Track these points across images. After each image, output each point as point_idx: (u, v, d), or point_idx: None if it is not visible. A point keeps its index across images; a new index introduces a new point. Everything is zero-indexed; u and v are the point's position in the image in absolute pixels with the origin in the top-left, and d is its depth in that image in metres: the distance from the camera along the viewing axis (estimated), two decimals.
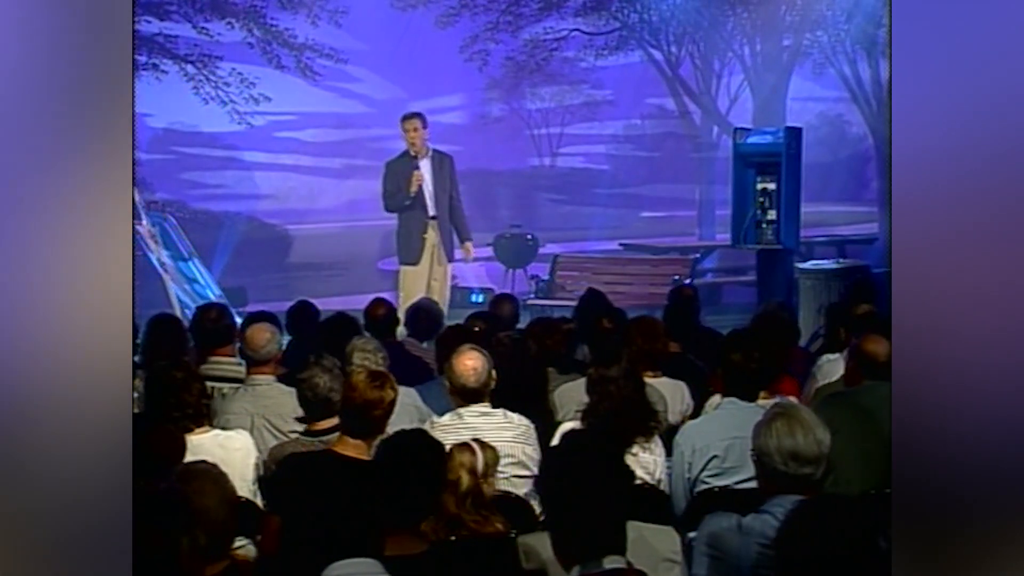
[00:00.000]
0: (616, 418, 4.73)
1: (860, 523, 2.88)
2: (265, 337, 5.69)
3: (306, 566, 3.50)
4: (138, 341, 6.21)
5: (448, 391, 5.06)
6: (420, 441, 3.84)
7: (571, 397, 5.43)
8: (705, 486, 4.73)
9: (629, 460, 4.54)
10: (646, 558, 3.72)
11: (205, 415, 4.90)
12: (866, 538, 2.86)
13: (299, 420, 5.11)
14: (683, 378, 5.91)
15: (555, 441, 4.98)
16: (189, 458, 4.10)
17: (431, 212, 9.79)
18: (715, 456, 4.72)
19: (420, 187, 9.70)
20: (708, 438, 4.79)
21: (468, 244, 10.06)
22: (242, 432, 4.97)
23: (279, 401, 5.44)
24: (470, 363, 4.96)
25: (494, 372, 5.02)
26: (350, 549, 3.36)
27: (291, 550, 4.18)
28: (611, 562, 3.07)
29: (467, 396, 4.95)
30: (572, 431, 4.84)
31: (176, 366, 4.89)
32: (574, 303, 8.52)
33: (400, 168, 9.83)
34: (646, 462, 4.78)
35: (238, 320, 7.10)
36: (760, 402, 4.89)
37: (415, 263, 9.79)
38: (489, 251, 15.69)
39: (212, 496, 3.47)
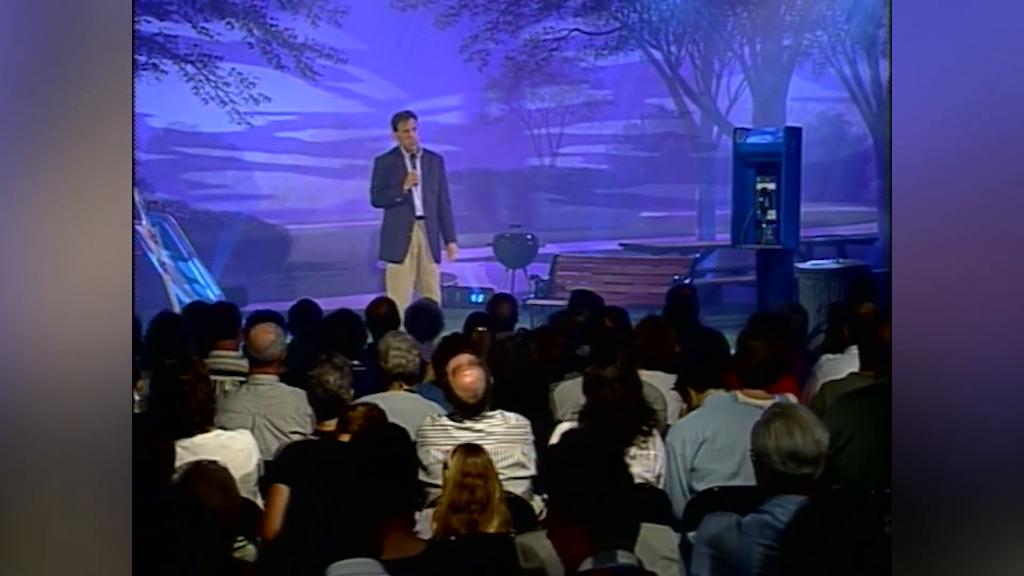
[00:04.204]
0: (613, 419, 4.74)
1: (866, 523, 2.88)
2: (269, 339, 5.64)
3: (305, 565, 3.50)
4: (140, 340, 6.21)
5: (447, 400, 5.04)
6: (390, 437, 3.85)
7: (570, 396, 5.42)
8: (701, 474, 4.72)
9: (627, 460, 4.53)
10: (644, 557, 3.72)
11: (211, 420, 4.86)
12: (872, 538, 2.86)
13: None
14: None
15: (554, 440, 4.98)
16: (192, 458, 4.10)
17: (419, 212, 9.79)
18: (705, 440, 4.75)
19: (412, 187, 9.72)
20: (696, 428, 4.84)
21: (452, 245, 10.03)
22: (244, 432, 4.96)
23: (281, 401, 5.45)
24: (468, 380, 4.88)
25: (492, 379, 4.99)
26: (349, 548, 3.37)
27: (289, 548, 4.19)
28: (624, 557, 3.07)
29: (467, 411, 4.91)
30: (575, 429, 4.84)
31: (183, 369, 4.85)
32: None
33: (390, 164, 9.84)
34: (644, 462, 4.78)
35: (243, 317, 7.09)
36: (758, 401, 4.89)
37: (398, 261, 9.78)
38: (489, 251, 15.68)
39: (217, 497, 3.47)
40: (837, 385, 5.43)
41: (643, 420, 4.85)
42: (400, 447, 3.80)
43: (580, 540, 3.08)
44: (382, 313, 7.25)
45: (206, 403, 4.80)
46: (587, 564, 3.07)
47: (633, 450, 4.73)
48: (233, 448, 4.72)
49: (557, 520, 3.19)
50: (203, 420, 4.77)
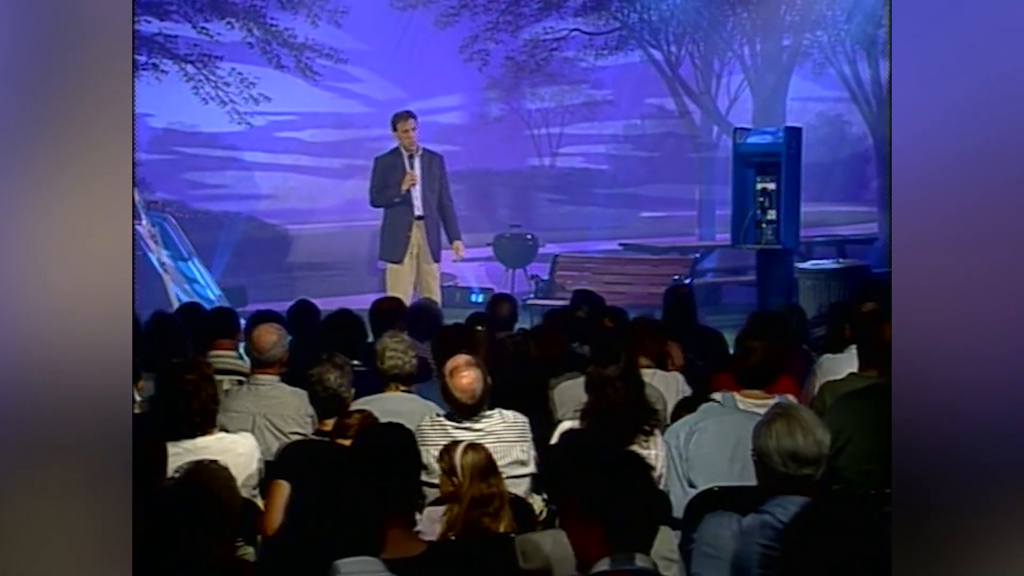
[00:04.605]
0: (614, 418, 4.74)
1: (867, 523, 2.88)
2: (272, 340, 5.63)
3: (305, 564, 3.50)
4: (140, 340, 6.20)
5: (444, 400, 5.04)
6: (395, 436, 3.85)
7: (570, 396, 5.43)
8: (694, 462, 4.73)
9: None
10: None
11: (212, 422, 4.82)
12: (872, 538, 2.86)
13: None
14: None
15: (554, 440, 4.99)
16: (194, 459, 4.10)
17: (418, 211, 9.78)
18: (696, 430, 4.76)
19: (411, 186, 9.72)
20: (689, 422, 4.88)
21: (458, 243, 10.02)
22: (247, 435, 4.95)
23: (282, 401, 5.45)
24: (465, 382, 4.86)
25: (489, 379, 4.98)
26: (351, 546, 3.36)
27: (289, 547, 4.19)
28: (642, 560, 3.05)
29: (465, 412, 4.90)
30: (585, 428, 4.84)
31: (188, 369, 4.83)
32: None
33: (390, 164, 9.83)
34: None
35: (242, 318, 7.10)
36: (756, 402, 4.90)
37: (398, 261, 9.77)
38: (489, 251, 15.69)
39: (218, 497, 3.47)
40: (837, 385, 5.42)
41: (645, 419, 4.85)
42: (404, 447, 3.80)
43: (596, 540, 3.06)
44: (384, 308, 7.24)
45: (209, 404, 4.78)
46: (603, 565, 3.04)
47: (635, 448, 4.74)
48: (235, 452, 4.70)
49: (572, 518, 3.17)
50: (205, 422, 4.75)
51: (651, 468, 3.43)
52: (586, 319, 7.11)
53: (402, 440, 3.83)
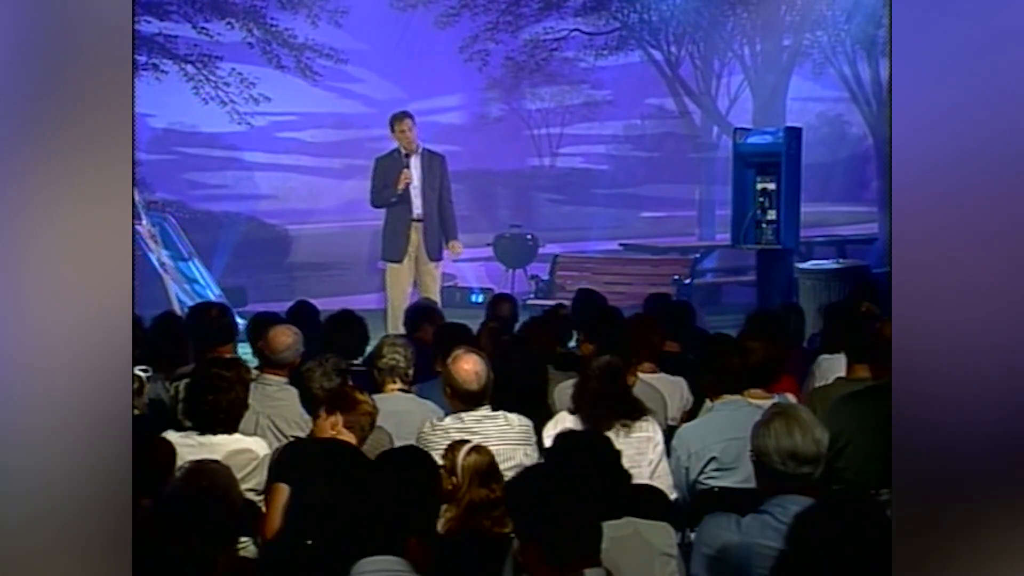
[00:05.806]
0: (597, 408, 4.81)
1: (870, 523, 2.87)
2: (286, 342, 5.67)
3: (307, 565, 3.49)
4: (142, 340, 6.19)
5: (447, 396, 5.03)
6: (414, 459, 3.81)
7: (568, 395, 5.43)
8: (704, 487, 4.73)
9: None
10: (642, 553, 3.73)
11: (235, 425, 4.82)
12: (874, 538, 2.85)
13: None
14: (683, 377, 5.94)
15: (547, 433, 4.99)
16: (206, 455, 4.11)
17: (417, 211, 9.78)
18: (713, 458, 4.73)
19: (407, 186, 9.70)
20: (704, 440, 4.81)
21: (454, 243, 10.00)
22: (259, 440, 4.95)
23: (288, 404, 5.45)
24: (470, 367, 4.89)
25: (492, 373, 5.00)
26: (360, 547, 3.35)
27: (294, 546, 4.19)
28: (592, 574, 3.03)
29: (469, 400, 4.90)
30: (565, 433, 4.85)
31: (226, 366, 4.84)
32: None
33: (389, 165, 9.83)
34: (637, 445, 4.80)
35: (240, 321, 7.10)
36: (757, 401, 4.90)
37: (398, 260, 9.77)
38: (489, 251, 15.69)
39: (218, 496, 3.47)
40: (826, 390, 5.42)
41: (627, 412, 4.87)
42: (426, 472, 3.74)
43: (537, 560, 3.02)
44: (420, 307, 7.64)
45: (237, 407, 4.80)
46: None
47: (620, 438, 4.73)
48: (248, 455, 4.71)
49: (520, 539, 3.14)
50: (229, 422, 4.75)
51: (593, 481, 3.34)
52: (571, 315, 7.21)
53: (424, 465, 3.75)
